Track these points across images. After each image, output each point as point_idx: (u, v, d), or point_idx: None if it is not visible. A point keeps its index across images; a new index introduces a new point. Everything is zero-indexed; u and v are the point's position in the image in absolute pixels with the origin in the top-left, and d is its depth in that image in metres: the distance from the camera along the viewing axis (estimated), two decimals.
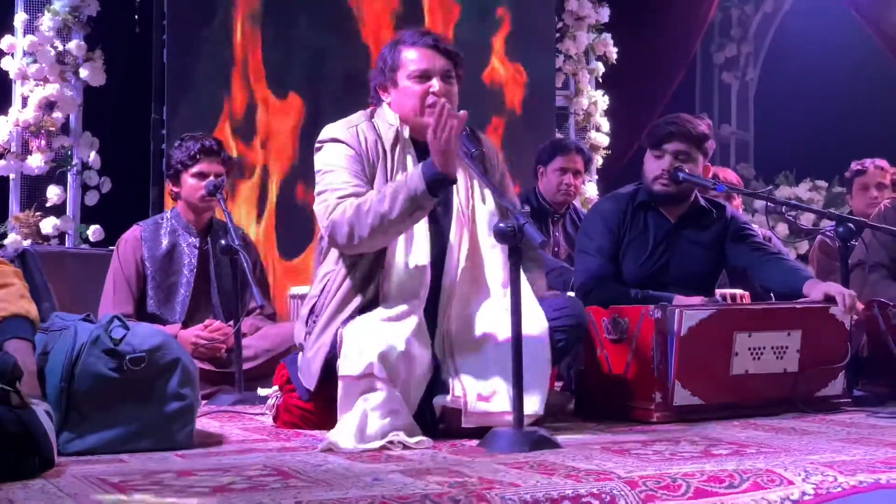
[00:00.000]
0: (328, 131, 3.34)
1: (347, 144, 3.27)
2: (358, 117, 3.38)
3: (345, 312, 3.18)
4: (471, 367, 3.14)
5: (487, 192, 3.30)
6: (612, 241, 3.99)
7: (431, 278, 3.21)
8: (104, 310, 4.36)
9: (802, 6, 8.87)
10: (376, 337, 3.00)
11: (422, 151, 3.27)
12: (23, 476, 2.37)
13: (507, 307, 2.95)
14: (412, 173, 3.07)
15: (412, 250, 3.19)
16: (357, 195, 3.15)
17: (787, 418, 3.47)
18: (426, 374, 3.11)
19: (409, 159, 3.29)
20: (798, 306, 3.70)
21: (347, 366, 3.01)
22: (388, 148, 3.29)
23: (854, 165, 5.62)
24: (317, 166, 3.32)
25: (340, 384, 3.02)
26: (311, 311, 3.31)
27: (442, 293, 3.22)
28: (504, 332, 3.01)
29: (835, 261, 4.62)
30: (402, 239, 3.18)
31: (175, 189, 4.58)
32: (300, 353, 3.35)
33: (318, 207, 3.23)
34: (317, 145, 3.35)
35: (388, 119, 3.35)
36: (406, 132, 3.32)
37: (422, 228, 3.21)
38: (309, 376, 3.25)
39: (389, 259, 3.18)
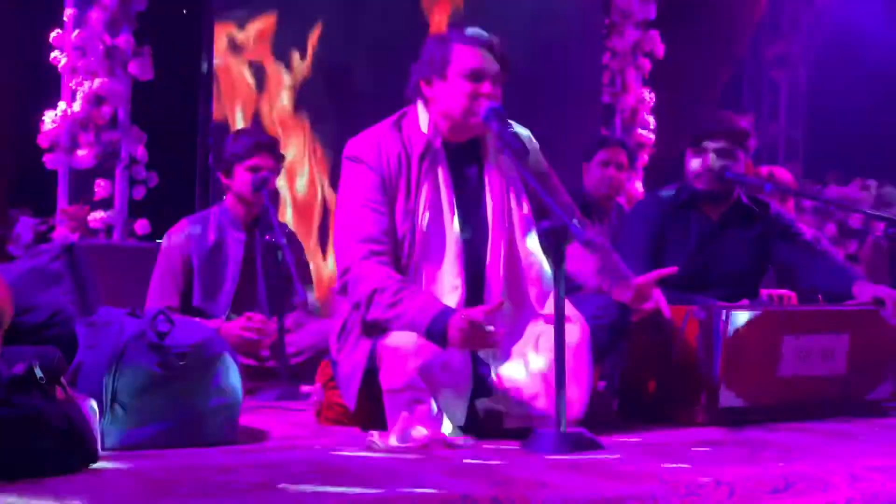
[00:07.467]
0: (351, 147, 3.27)
1: (367, 165, 3.20)
2: (382, 128, 3.29)
3: (376, 328, 3.12)
4: (513, 368, 3.11)
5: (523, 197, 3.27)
6: (653, 243, 3.95)
7: (471, 278, 3.17)
8: (150, 303, 4.39)
9: (856, 2, 8.75)
10: (415, 349, 2.97)
11: (453, 156, 3.25)
12: (66, 470, 2.39)
13: (545, 314, 3.01)
14: (422, 312, 2.98)
15: (444, 284, 3.13)
16: (374, 254, 3.11)
17: (834, 422, 3.42)
18: (468, 382, 3.05)
19: (440, 172, 3.21)
20: (847, 309, 3.65)
21: (389, 379, 2.99)
22: (413, 160, 3.21)
23: None
24: (341, 181, 3.29)
25: (385, 398, 3.00)
26: (343, 327, 3.27)
27: (486, 295, 3.16)
28: (546, 334, 2.99)
29: (887, 261, 4.56)
30: (434, 272, 3.15)
31: (226, 182, 4.59)
32: (337, 366, 3.31)
33: (336, 243, 3.23)
34: (343, 158, 3.30)
35: (419, 125, 3.26)
36: (437, 141, 3.24)
37: (452, 251, 3.15)
38: (348, 396, 3.21)
39: (423, 284, 3.14)
